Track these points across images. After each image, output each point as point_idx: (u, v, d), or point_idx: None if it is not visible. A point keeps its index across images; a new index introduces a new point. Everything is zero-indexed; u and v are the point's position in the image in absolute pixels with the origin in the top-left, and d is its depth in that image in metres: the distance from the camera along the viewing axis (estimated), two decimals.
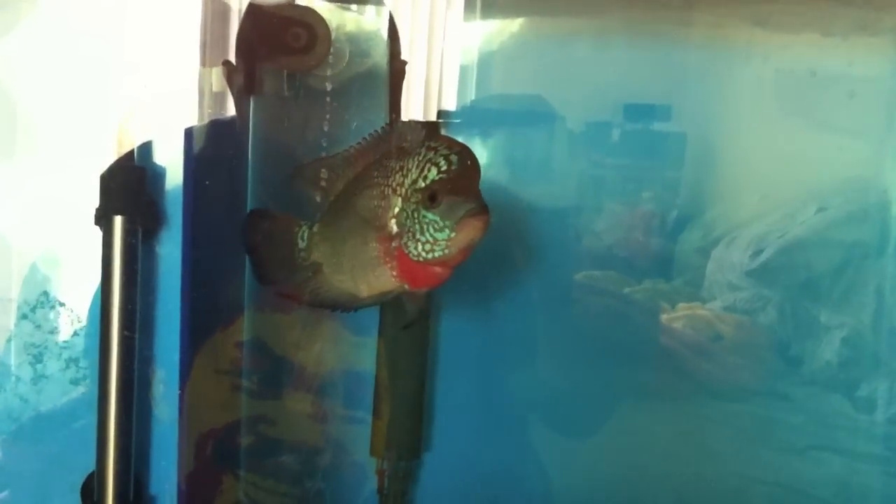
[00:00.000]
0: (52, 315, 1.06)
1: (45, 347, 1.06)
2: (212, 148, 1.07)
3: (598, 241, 1.31)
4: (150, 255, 1.04)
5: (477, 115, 1.27)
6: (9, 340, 1.06)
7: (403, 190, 0.88)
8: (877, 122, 1.26)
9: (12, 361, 1.06)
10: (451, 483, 1.29)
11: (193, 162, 1.04)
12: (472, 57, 1.27)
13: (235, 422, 1.19)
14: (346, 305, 0.97)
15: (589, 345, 1.31)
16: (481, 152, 1.27)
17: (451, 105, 1.27)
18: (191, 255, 1.04)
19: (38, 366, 1.06)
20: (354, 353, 1.22)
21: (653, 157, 1.29)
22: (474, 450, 1.30)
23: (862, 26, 1.24)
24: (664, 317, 1.31)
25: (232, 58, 1.12)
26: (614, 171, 1.29)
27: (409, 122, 1.13)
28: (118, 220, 1.00)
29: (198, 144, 1.05)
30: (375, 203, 0.91)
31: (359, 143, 0.96)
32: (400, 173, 0.88)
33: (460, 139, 1.21)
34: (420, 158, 0.87)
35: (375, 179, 0.91)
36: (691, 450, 1.31)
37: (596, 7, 1.30)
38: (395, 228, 0.89)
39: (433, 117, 1.27)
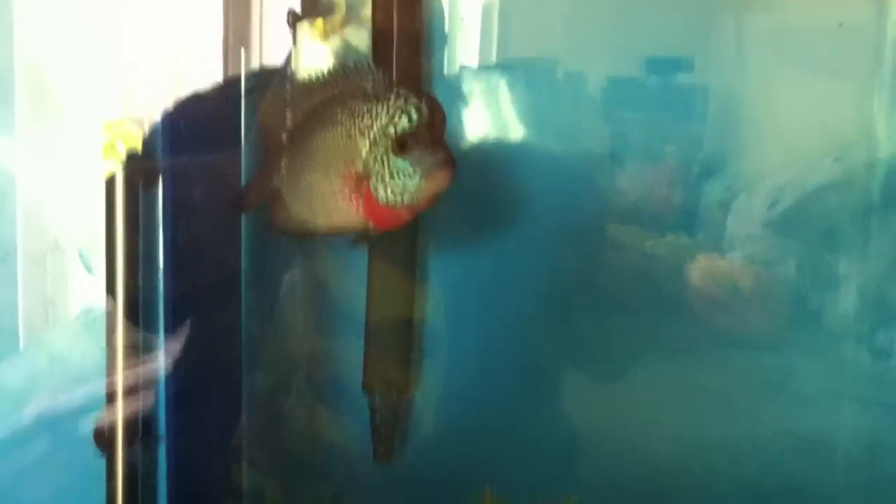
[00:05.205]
0: (63, 263, 1.11)
1: (57, 293, 1.12)
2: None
3: (621, 196, 1.31)
4: (152, 207, 1.10)
5: (497, 69, 1.29)
6: (21, 287, 1.12)
7: (372, 134, 0.92)
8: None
9: (26, 307, 1.13)
10: (447, 420, 1.32)
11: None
12: (492, 9, 1.29)
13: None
14: (302, 235, 1.02)
15: (606, 295, 1.31)
16: (501, 107, 1.29)
17: (468, 59, 1.29)
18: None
19: (51, 309, 1.12)
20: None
21: (675, 110, 1.28)
22: (471, 389, 1.32)
23: None
24: (684, 269, 1.31)
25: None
26: (636, 125, 1.29)
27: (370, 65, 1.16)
28: (120, 173, 1.06)
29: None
30: (341, 142, 0.95)
31: (320, 75, 1.00)
32: (368, 116, 0.93)
33: (479, 93, 1.28)
34: (390, 105, 0.91)
35: (340, 118, 0.95)
36: (707, 400, 1.29)
37: None
38: (361, 169, 0.93)
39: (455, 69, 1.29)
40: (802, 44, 1.24)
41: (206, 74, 1.13)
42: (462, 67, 1.29)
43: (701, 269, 1.30)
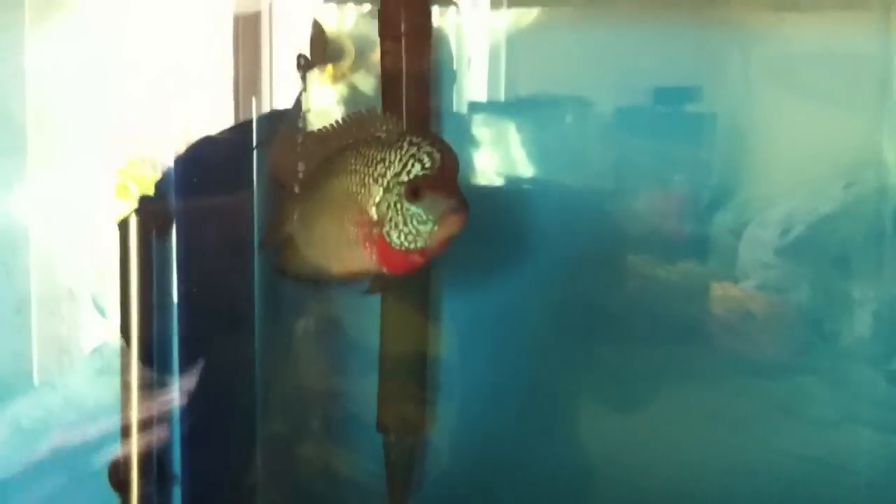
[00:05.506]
0: (77, 311, 1.12)
1: (72, 342, 1.13)
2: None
3: (632, 227, 1.32)
4: (165, 250, 1.11)
5: (505, 107, 1.29)
6: (36, 337, 1.13)
7: (385, 181, 0.93)
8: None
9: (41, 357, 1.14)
10: (462, 459, 1.31)
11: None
12: (500, 42, 1.29)
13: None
14: (315, 281, 1.04)
15: (619, 327, 1.32)
16: (511, 140, 1.29)
17: (477, 98, 1.30)
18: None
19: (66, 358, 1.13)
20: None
21: (684, 140, 1.29)
22: (486, 426, 1.31)
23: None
24: (698, 297, 1.31)
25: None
26: (646, 156, 1.29)
27: (382, 113, 1.17)
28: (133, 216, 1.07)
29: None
30: (355, 189, 0.95)
31: (333, 124, 1.01)
32: (382, 164, 0.93)
33: (488, 127, 1.29)
34: (403, 153, 0.92)
35: (354, 166, 0.96)
36: (722, 427, 1.30)
37: None
38: (375, 216, 0.94)
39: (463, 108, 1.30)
40: (811, 72, 1.24)
41: (217, 119, 1.15)
42: (470, 106, 1.30)
43: (714, 296, 1.31)
